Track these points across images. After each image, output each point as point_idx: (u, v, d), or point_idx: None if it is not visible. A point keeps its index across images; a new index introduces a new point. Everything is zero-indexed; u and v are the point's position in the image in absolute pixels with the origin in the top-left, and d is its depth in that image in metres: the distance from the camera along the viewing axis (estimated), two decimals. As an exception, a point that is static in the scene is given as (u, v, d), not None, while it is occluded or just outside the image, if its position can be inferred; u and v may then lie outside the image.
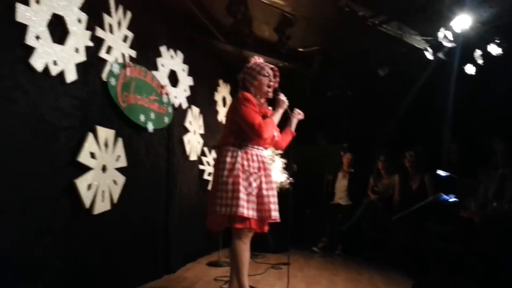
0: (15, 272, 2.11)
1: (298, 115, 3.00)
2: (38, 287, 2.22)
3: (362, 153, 5.74)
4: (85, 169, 2.59)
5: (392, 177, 5.10)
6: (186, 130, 4.10)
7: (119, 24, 2.99)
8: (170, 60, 3.76)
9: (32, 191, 2.22)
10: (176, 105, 3.85)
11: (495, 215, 3.51)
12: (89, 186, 2.61)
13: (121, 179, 2.97)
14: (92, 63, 2.70)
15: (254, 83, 2.76)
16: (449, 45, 3.71)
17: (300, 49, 4.85)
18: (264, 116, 2.75)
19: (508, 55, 3.69)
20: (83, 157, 2.56)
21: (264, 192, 2.68)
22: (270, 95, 2.83)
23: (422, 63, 4.43)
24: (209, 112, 4.71)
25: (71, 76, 2.48)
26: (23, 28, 2.14)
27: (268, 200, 2.67)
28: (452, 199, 2.17)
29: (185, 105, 4.03)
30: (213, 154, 4.60)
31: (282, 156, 5.10)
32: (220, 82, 5.03)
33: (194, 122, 4.25)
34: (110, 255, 2.85)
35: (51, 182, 2.35)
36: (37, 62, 2.23)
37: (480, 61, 3.85)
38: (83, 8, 2.57)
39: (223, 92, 5.09)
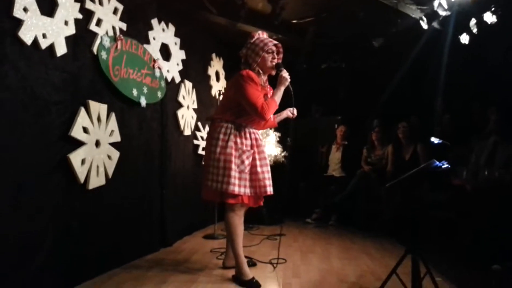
0: (11, 249, 2.12)
1: (290, 112, 2.97)
2: None
3: (356, 125, 5.76)
4: (78, 144, 2.58)
5: (386, 148, 5.15)
6: (179, 105, 4.07)
7: (109, -5, 2.92)
8: (162, 33, 3.70)
9: (25, 166, 2.21)
10: (169, 79, 3.81)
11: (486, 183, 3.57)
12: (83, 161, 2.60)
13: (115, 154, 2.97)
14: (82, 36, 2.65)
15: (257, 60, 2.72)
16: (444, 13, 3.67)
17: (294, 21, 4.78)
18: (265, 96, 2.74)
19: (502, 23, 3.67)
20: (76, 132, 2.55)
21: (259, 169, 2.73)
22: (273, 72, 2.81)
23: (416, 33, 4.40)
24: (202, 86, 4.68)
25: (61, 49, 2.43)
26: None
27: (263, 176, 2.74)
28: (445, 165, 2.19)
29: (178, 79, 3.99)
30: (207, 128, 4.59)
31: (276, 130, 5.11)
32: (213, 56, 4.97)
33: (188, 96, 4.22)
34: (106, 229, 2.87)
35: (44, 157, 2.34)
36: (26, 35, 2.18)
37: (474, 30, 3.83)
38: (70, -21, 2.50)
39: (216, 67, 5.04)
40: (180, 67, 4.02)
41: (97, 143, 2.76)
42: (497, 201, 3.35)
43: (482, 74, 4.24)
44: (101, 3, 2.82)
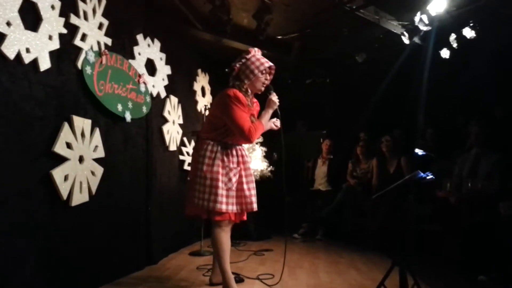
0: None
1: (273, 124, 2.93)
2: None
3: (341, 139, 5.81)
4: (61, 159, 2.53)
5: (370, 162, 5.19)
6: (165, 120, 4.05)
7: (94, 11, 2.92)
8: (147, 49, 3.70)
9: (7, 182, 2.15)
10: (154, 94, 3.80)
11: (469, 194, 3.61)
12: (66, 177, 2.55)
13: (99, 170, 2.92)
14: (66, 51, 2.63)
15: (251, 78, 2.70)
16: (425, 28, 3.77)
17: (279, 37, 4.85)
18: (251, 116, 2.74)
19: (481, 38, 3.78)
20: (59, 147, 2.50)
21: (245, 186, 2.74)
22: (261, 91, 2.81)
23: (399, 49, 4.50)
24: (188, 101, 4.67)
25: (44, 64, 2.41)
26: (-8, 14, 2.06)
27: (250, 193, 2.74)
28: (429, 176, 2.22)
29: (163, 94, 3.98)
30: (193, 143, 4.57)
31: (262, 144, 5.12)
32: (199, 71, 4.99)
33: (173, 112, 4.20)
34: (89, 247, 2.80)
35: (26, 173, 2.29)
36: (9, 50, 2.15)
37: (455, 45, 3.93)
38: (55, -6, 2.49)
39: (202, 82, 5.05)
40: (166, 82, 4.02)
41: (81, 159, 2.72)
42: (481, 212, 3.40)
43: (463, 88, 4.35)
44: (86, 18, 2.81)
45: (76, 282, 2.64)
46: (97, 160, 2.90)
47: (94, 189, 2.85)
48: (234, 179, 2.67)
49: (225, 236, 2.72)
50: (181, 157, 4.40)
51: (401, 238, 2.40)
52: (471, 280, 3.24)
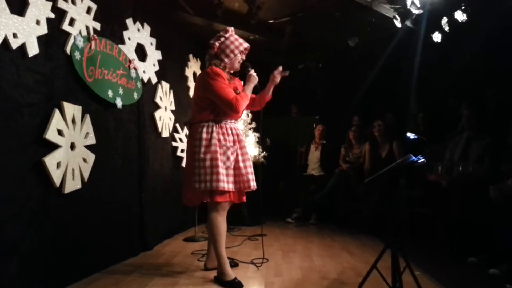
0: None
1: (275, 77, 2.91)
2: None
3: (333, 124, 5.82)
4: (53, 146, 2.50)
5: (363, 146, 5.22)
6: (157, 106, 4.02)
7: (81, -6, 2.86)
8: (137, 33, 3.64)
9: (-1, 170, 2.13)
10: (145, 80, 3.76)
11: (460, 177, 3.65)
12: (58, 164, 2.53)
13: (91, 157, 2.90)
14: (54, 36, 2.57)
15: (231, 57, 2.76)
16: (417, 12, 3.76)
17: (271, 21, 4.79)
18: (234, 90, 2.74)
19: (473, 21, 3.78)
20: (51, 134, 2.47)
21: (241, 164, 2.75)
22: (237, 70, 2.87)
23: (391, 32, 4.48)
24: (180, 87, 4.63)
25: (33, 49, 2.36)
26: (-23, -3, 2.01)
27: (246, 171, 2.76)
28: (421, 160, 2.24)
29: (154, 80, 3.93)
30: (186, 130, 4.55)
31: (255, 130, 5.11)
32: (190, 57, 4.93)
33: (165, 98, 4.17)
34: (83, 234, 2.80)
35: (17, 160, 2.26)
36: (-5, 35, 2.11)
37: (446, 28, 3.92)
38: (41, -23, 2.43)
39: (193, 68, 5.00)
40: (157, 68, 3.97)
41: (72, 146, 2.69)
42: (471, 195, 3.44)
43: (455, 72, 4.36)
44: (73, 2, 2.75)
45: (70, 269, 2.64)
46: (88, 147, 2.87)
47: (86, 176, 2.83)
48: (232, 158, 2.70)
49: (221, 221, 2.75)
50: (173, 144, 4.38)
51: (393, 222, 2.42)
52: (462, 262, 3.30)
